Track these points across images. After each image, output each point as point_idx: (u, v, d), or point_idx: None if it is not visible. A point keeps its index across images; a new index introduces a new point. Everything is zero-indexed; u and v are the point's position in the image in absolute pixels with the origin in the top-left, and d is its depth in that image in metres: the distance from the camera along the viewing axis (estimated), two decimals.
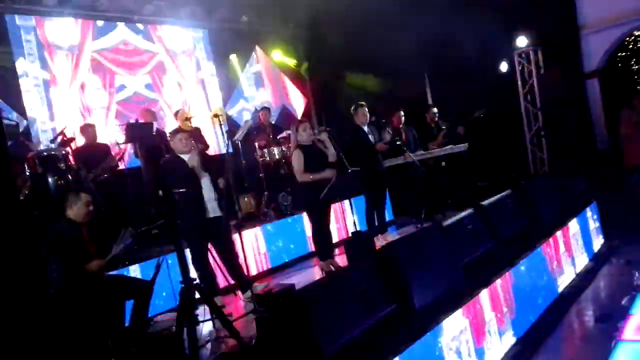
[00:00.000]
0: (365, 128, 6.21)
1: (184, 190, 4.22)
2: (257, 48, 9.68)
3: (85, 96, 7.47)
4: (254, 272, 5.56)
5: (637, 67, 13.35)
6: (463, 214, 4.83)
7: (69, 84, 7.33)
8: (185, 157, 4.51)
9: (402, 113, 7.07)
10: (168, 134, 4.83)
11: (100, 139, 6.37)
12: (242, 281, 4.74)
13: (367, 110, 6.29)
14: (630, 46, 13.00)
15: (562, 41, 8.55)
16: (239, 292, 4.79)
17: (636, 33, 10.83)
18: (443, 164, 7.24)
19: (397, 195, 7.47)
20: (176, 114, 7.15)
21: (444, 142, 7.10)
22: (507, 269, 4.15)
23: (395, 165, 6.71)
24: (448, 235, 4.19)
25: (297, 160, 5.05)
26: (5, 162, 1.76)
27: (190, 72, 8.83)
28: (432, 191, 7.20)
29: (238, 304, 4.72)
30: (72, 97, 7.34)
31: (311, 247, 6.06)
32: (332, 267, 5.06)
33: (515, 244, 4.82)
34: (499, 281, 3.93)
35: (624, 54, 13.23)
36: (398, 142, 6.49)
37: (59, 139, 5.90)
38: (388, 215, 7.35)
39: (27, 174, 5.07)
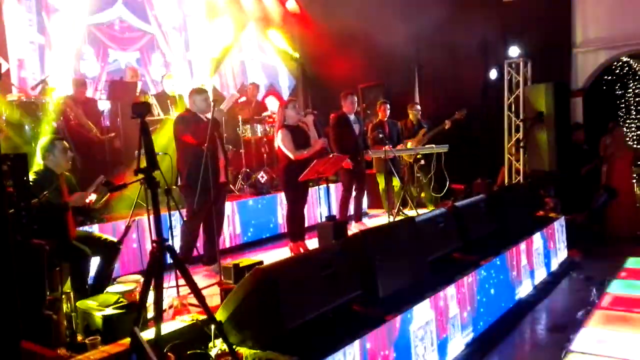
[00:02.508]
0: (352, 117, 6.23)
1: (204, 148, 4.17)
2: (253, 23, 9.58)
3: (80, 65, 7.41)
4: (224, 245, 5.56)
5: (621, 92, 13.68)
6: (435, 211, 4.92)
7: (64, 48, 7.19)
8: (206, 116, 4.51)
9: (387, 106, 7.11)
10: (189, 93, 4.82)
11: None
12: (212, 253, 4.73)
13: (355, 99, 6.32)
14: (617, 70, 13.30)
15: (552, 56, 8.69)
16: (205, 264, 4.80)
17: (624, 59, 11.12)
18: (422, 162, 7.32)
19: (374, 186, 7.53)
20: (162, 77, 7.06)
21: (424, 141, 7.16)
22: (472, 269, 4.26)
23: (377, 158, 6.78)
24: (419, 231, 4.26)
25: (286, 139, 5.06)
26: None
27: (178, 48, 8.76)
28: (408, 187, 7.31)
29: (202, 275, 4.72)
30: (67, 62, 7.20)
31: (283, 228, 6.08)
32: (301, 249, 5.10)
33: (483, 247, 4.93)
34: (465, 279, 4.03)
35: (609, 77, 13.53)
36: (381, 136, 6.55)
37: (40, 87, 5.76)
38: (364, 205, 7.43)
39: (3, 118, 4.95)
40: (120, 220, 4.83)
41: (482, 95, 8.72)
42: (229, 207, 5.78)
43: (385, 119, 7.13)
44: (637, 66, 13.44)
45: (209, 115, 4.39)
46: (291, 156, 5.05)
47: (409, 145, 7.11)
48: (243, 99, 7.75)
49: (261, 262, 3.79)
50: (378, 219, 6.86)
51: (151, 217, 2.85)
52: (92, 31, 7.62)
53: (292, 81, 9.95)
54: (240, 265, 3.73)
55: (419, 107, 7.62)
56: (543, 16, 8.52)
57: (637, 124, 13.56)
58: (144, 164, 2.61)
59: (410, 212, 6.90)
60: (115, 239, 4.11)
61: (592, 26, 8.54)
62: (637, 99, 13.87)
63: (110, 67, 7.83)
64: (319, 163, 4.85)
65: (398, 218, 6.64)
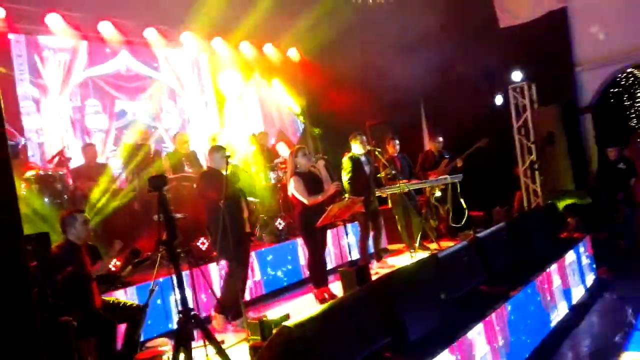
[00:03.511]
0: (363, 157, 6.27)
1: (229, 203, 4.30)
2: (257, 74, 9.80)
3: (85, 119, 7.52)
4: (247, 297, 5.52)
5: (629, 102, 13.62)
6: (458, 245, 4.86)
7: (59, 92, 7.27)
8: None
9: (397, 142, 7.15)
10: (208, 151, 5.04)
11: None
12: (237, 306, 4.70)
13: (365, 139, 6.38)
14: (623, 82, 13.30)
15: (556, 77, 8.74)
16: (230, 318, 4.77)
17: (628, 70, 11.12)
18: (439, 193, 7.29)
19: (392, 222, 7.49)
20: (174, 137, 7.20)
21: (447, 171, 7.17)
22: (502, 302, 4.16)
23: (393, 194, 6.78)
24: (442, 268, 4.20)
25: (299, 187, 5.10)
26: (11, 185, 1.77)
27: (191, 94, 8.92)
28: (426, 220, 7.25)
29: (231, 331, 4.68)
30: (63, 106, 7.27)
31: (305, 274, 6.04)
32: (326, 295, 5.05)
33: (509, 277, 4.84)
34: (494, 314, 3.93)
35: (616, 89, 13.51)
36: (393, 172, 6.57)
37: (56, 159, 5.91)
38: (383, 242, 7.38)
39: (23, 192, 5.07)
40: (144, 282, 4.84)
41: (490, 122, 8.74)
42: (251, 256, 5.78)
43: (396, 154, 7.16)
44: None
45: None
46: (306, 202, 5.07)
47: (431, 177, 7.14)
48: (253, 148, 7.85)
49: (287, 316, 3.75)
50: (399, 257, 6.79)
51: (176, 288, 2.86)
52: (97, 82, 7.62)
53: (301, 125, 10.09)
54: (266, 320, 3.69)
55: (441, 138, 7.67)
56: (542, 39, 8.63)
57: None
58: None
59: (432, 245, 6.84)
60: (140, 304, 4.12)
61: (591, 43, 8.62)
62: None
63: (119, 123, 7.83)
64: (334, 207, 4.85)
65: (419, 252, 6.59)
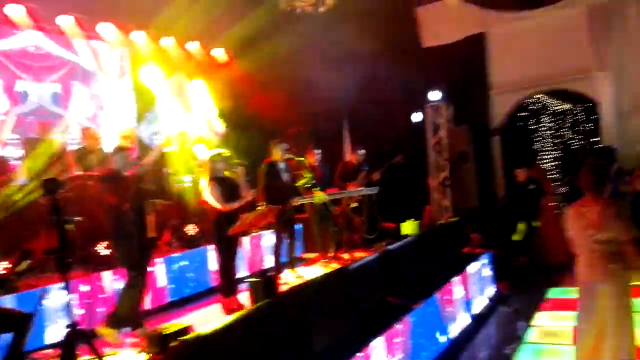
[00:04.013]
0: (281, 164, 6.26)
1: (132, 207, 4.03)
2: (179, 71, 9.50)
3: None
4: (148, 306, 5.27)
5: (535, 126, 14.67)
6: (368, 257, 4.98)
7: None
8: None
9: (318, 151, 7.20)
10: (112, 151, 4.65)
11: None
12: (136, 317, 4.49)
13: (285, 146, 6.36)
14: (531, 107, 14.30)
15: (471, 99, 9.24)
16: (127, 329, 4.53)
17: (536, 96, 11.98)
18: (355, 204, 7.42)
19: (308, 231, 7.53)
20: (84, 131, 6.78)
21: (363, 183, 7.28)
22: (405, 314, 4.30)
23: (310, 203, 6.81)
24: (351, 280, 4.29)
25: (215, 192, 4.98)
26: None
27: (108, 85, 8.46)
28: (342, 230, 7.35)
29: (124, 343, 4.44)
30: None
31: (214, 282, 5.90)
32: (234, 305, 4.96)
33: (415, 289, 5.02)
34: (396, 326, 4.05)
35: (524, 114, 14.49)
36: (313, 181, 6.61)
37: None
38: (297, 251, 7.39)
39: None
40: (32, 289, 4.46)
41: (408, 138, 9.07)
42: (156, 263, 5.55)
43: (316, 163, 7.20)
44: (548, 101, 14.50)
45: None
46: (220, 208, 4.97)
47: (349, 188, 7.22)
48: (171, 148, 7.58)
49: (188, 328, 3.64)
50: (313, 266, 6.83)
51: (65, 297, 2.67)
52: None
53: (222, 128, 9.89)
54: (165, 332, 3.54)
55: (362, 151, 7.78)
56: (461, 61, 9.10)
57: (552, 155, 14.54)
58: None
59: (345, 255, 6.94)
60: (26, 312, 3.81)
61: (504, 69, 9.20)
62: (550, 132, 14.93)
63: (20, 108, 7.12)
64: (249, 215, 4.79)
65: (333, 262, 6.66)
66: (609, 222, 3.41)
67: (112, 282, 4.91)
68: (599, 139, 9.20)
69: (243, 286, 5.13)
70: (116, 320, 4.27)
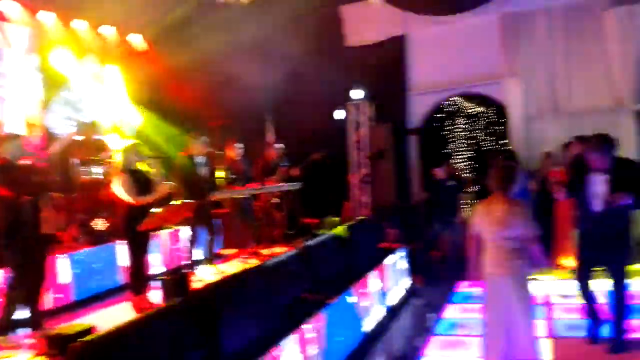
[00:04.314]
0: (200, 158, 6.08)
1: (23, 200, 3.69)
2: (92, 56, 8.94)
3: None
4: (52, 304, 4.93)
5: (450, 128, 15.34)
6: (286, 253, 4.96)
7: None
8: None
9: (239, 145, 7.07)
10: (3, 139, 4.25)
11: None
12: (36, 315, 4.18)
13: (204, 139, 6.19)
14: (446, 109, 14.92)
15: (391, 98, 9.48)
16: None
17: (452, 98, 12.50)
18: (276, 200, 7.38)
19: (228, 226, 7.38)
20: None
21: (282, 180, 7.24)
22: (320, 309, 4.31)
23: (230, 198, 6.68)
24: (267, 276, 4.24)
25: (127, 185, 4.74)
26: None
27: (9, 68, 7.77)
28: (262, 225, 7.29)
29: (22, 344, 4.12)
30: None
31: (125, 279, 5.62)
32: (144, 304, 4.75)
33: (332, 284, 5.06)
34: (311, 322, 4.04)
35: (441, 115, 15.08)
36: (233, 176, 6.49)
37: None
38: (217, 246, 7.24)
39: None
40: None
41: (330, 134, 9.14)
42: (60, 260, 5.19)
43: (237, 158, 7.07)
44: (463, 104, 15.21)
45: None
46: (132, 202, 4.74)
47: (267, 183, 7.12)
48: (80, 138, 7.13)
49: (91, 329, 3.43)
50: (231, 262, 6.70)
51: None
52: None
53: (138, 118, 9.45)
54: (66, 333, 3.32)
55: (281, 146, 7.71)
56: (383, 61, 9.29)
57: (466, 155, 15.30)
58: None
59: (265, 251, 6.88)
60: None
61: (423, 71, 9.51)
62: (464, 133, 15.70)
63: None
64: (163, 210, 4.60)
65: (252, 259, 6.58)
66: (515, 219, 3.64)
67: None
68: (507, 141, 9.77)
69: (155, 284, 4.93)
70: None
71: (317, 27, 9.19)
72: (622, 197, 4.03)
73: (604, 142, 4.16)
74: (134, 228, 4.69)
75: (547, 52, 8.69)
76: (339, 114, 9.29)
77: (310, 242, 5.55)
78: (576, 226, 4.55)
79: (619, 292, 4.26)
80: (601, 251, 4.26)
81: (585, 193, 4.27)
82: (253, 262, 6.18)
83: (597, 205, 4.21)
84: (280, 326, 3.88)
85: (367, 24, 9.54)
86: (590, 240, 4.32)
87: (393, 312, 5.88)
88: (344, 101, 9.17)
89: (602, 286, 4.45)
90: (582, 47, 8.49)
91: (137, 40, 9.42)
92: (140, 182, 4.88)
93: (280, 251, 5.99)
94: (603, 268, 4.36)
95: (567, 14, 8.56)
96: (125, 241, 4.97)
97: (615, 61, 8.28)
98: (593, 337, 4.48)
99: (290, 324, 3.91)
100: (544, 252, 3.85)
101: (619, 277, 4.25)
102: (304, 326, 3.88)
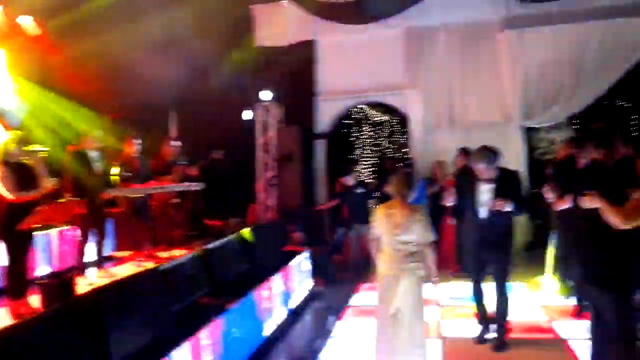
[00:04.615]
0: (93, 153, 5.68)
1: None
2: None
3: None
4: None
5: (357, 135, 15.78)
6: (184, 257, 4.76)
7: None
8: None
9: (137, 141, 6.67)
10: None
11: None
12: None
13: (98, 133, 5.80)
14: (354, 116, 15.31)
15: (301, 102, 9.52)
16: None
17: (360, 105, 12.85)
18: (177, 200, 7.08)
19: (122, 227, 6.96)
20: None
21: (180, 179, 6.93)
22: (218, 314, 4.18)
23: (125, 197, 6.29)
24: (163, 280, 4.04)
25: (6, 179, 4.31)
26: None
27: None
28: (160, 226, 6.95)
29: None
30: None
31: (1, 282, 5.09)
32: (23, 308, 4.32)
33: (233, 288, 4.94)
34: (208, 328, 3.90)
35: (349, 121, 15.45)
36: (128, 173, 6.13)
37: None
38: (110, 248, 6.81)
39: None
40: None
41: (238, 135, 8.99)
42: None
43: (135, 154, 6.68)
44: (370, 112, 15.73)
45: None
46: (11, 198, 4.31)
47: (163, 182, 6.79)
48: None
49: None
50: (124, 266, 6.32)
51: None
52: None
53: (23, 107, 8.65)
54: None
55: (175, 143, 7.36)
56: (293, 64, 9.28)
57: (371, 161, 15.84)
58: None
59: (162, 254, 6.57)
60: None
61: (332, 78, 9.64)
62: (370, 140, 16.23)
63: None
64: (46, 208, 4.23)
65: (147, 262, 6.24)
66: (412, 224, 3.80)
67: None
68: (408, 150, 10.21)
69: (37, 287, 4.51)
70: None
71: (229, 25, 8.99)
72: (504, 204, 4.34)
73: (489, 154, 4.47)
74: (13, 226, 4.26)
75: (446, 67, 9.20)
76: (247, 115, 9.16)
77: (211, 245, 5.39)
78: (461, 232, 4.84)
79: (502, 293, 4.59)
80: (486, 254, 4.58)
81: (471, 201, 4.55)
82: (148, 265, 5.88)
83: (483, 212, 4.51)
84: (175, 333, 3.71)
85: (277, 26, 9.51)
86: (477, 244, 4.62)
87: (295, 315, 5.88)
88: (253, 102, 9.04)
89: (490, 288, 4.76)
90: (478, 65, 9.09)
91: (28, 23, 8.62)
92: (22, 177, 4.45)
93: (179, 254, 5.74)
94: (489, 270, 4.67)
95: (464, 33, 9.13)
96: (3, 240, 4.49)
97: (505, 80, 8.96)
98: (480, 337, 4.77)
99: (185, 331, 3.75)
100: (437, 256, 4.06)
101: (501, 278, 4.58)
102: (200, 332, 3.73)
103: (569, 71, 8.62)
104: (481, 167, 4.44)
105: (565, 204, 4.75)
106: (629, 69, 8.40)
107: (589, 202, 3.13)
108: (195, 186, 6.77)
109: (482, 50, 9.08)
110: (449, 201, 4.91)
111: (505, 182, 4.45)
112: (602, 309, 3.26)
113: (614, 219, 2.99)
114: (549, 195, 4.49)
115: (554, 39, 8.65)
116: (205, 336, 3.79)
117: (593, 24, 8.45)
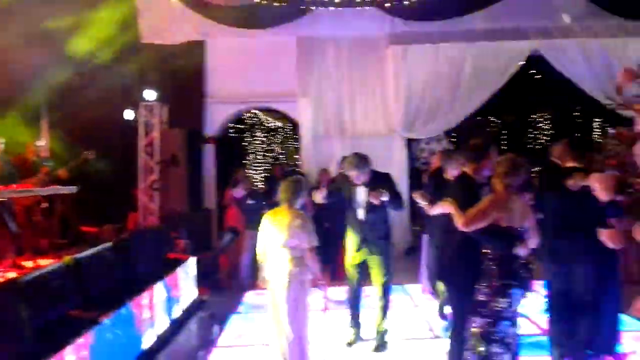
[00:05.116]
0: None
1: None
2: None
3: None
4: None
5: (249, 140, 15.65)
6: (50, 267, 4.34)
7: None
8: None
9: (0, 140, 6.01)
10: None
11: None
12: None
13: None
14: (246, 120, 15.16)
15: (188, 103, 9.18)
16: None
17: (253, 110, 12.73)
18: (45, 204, 6.46)
19: None
20: None
21: (45, 181, 6.33)
22: (88, 329, 3.85)
23: None
24: (24, 293, 3.63)
25: None
26: None
27: None
28: (25, 233, 6.29)
29: None
30: None
31: None
32: None
33: (107, 299, 4.59)
34: (76, 343, 3.57)
35: (241, 126, 15.27)
36: None
37: None
38: None
39: None
40: None
41: (118, 136, 8.43)
42: None
43: None
44: (263, 117, 15.69)
45: None
46: None
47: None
48: None
49: None
50: None
51: None
52: None
53: None
54: None
55: (41, 143, 6.72)
56: (181, 64, 8.91)
57: (263, 167, 15.80)
58: None
59: (27, 263, 5.95)
60: None
61: (222, 81, 9.43)
62: (262, 146, 16.19)
63: None
64: None
65: (9, 272, 5.61)
66: (296, 230, 3.84)
67: None
68: (299, 156, 10.30)
69: None
70: None
71: (113, 19, 8.41)
72: (378, 195, 4.56)
73: (358, 161, 4.68)
74: None
75: (336, 78, 9.46)
76: (129, 114, 8.61)
77: (84, 254, 4.96)
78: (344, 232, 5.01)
79: (384, 292, 4.76)
80: (367, 251, 4.77)
81: (350, 204, 4.81)
82: (10, 276, 5.28)
83: (361, 213, 4.73)
84: (38, 350, 3.34)
85: (164, 22, 9.09)
86: (358, 243, 4.79)
87: (178, 325, 5.61)
88: (136, 101, 8.53)
89: (371, 292, 4.91)
90: (365, 77, 9.48)
91: None
92: None
93: (47, 263, 5.23)
94: (371, 268, 4.82)
95: (353, 46, 9.46)
96: None
97: (390, 94, 9.42)
98: (352, 341, 4.91)
99: (49, 347, 3.40)
100: (321, 261, 4.11)
101: (383, 275, 4.75)
102: (65, 349, 3.40)
103: (447, 87, 9.27)
104: (353, 174, 4.66)
105: (434, 210, 5.08)
106: (500, 88, 9.24)
107: (442, 208, 3.59)
108: (65, 189, 6.21)
109: (370, 64, 9.46)
110: (319, 199, 5.03)
111: (379, 182, 4.70)
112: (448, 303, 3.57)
113: (458, 222, 3.34)
114: (419, 200, 4.82)
115: (434, 57, 9.26)
116: (71, 352, 3.46)
117: (468, 45, 9.18)
